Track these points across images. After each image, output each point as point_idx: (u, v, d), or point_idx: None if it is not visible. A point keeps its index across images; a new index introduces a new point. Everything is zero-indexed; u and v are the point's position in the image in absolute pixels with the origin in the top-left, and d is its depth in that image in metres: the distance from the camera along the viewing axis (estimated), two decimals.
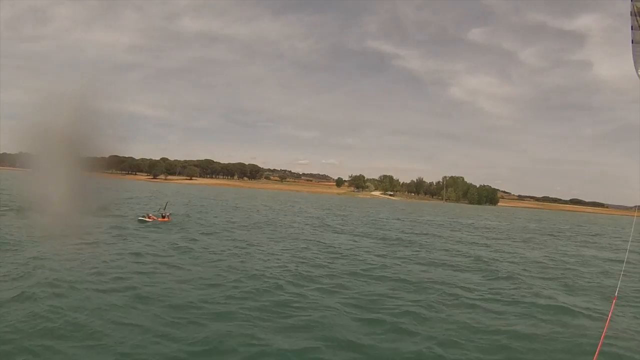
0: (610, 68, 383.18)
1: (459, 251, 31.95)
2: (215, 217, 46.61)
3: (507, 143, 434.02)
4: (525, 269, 25.98)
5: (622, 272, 23.14)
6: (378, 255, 26.90)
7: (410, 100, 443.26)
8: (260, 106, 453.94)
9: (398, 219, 68.80)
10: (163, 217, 37.33)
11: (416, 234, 43.77)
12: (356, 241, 34.02)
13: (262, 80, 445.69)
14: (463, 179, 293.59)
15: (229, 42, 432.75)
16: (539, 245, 41.51)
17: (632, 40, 7.23)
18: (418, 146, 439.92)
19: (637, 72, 7.64)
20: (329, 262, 23.19)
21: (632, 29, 7.01)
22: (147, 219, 35.86)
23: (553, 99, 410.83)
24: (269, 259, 22.80)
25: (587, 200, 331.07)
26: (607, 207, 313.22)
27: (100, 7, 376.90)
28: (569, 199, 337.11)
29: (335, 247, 29.11)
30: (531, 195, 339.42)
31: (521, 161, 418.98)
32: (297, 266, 21.33)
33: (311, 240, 32.28)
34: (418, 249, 31.38)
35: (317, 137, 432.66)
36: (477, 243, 39.23)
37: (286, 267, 20.95)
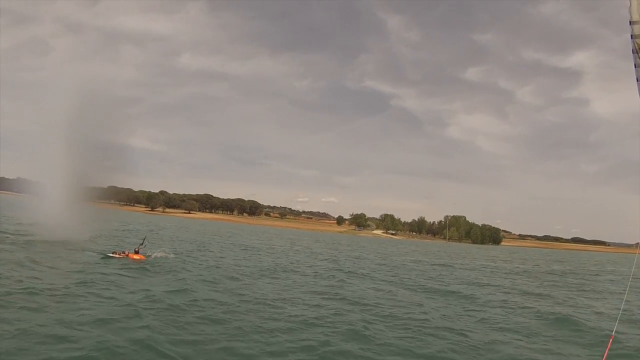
0: (607, 104, 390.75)
1: (531, 308, 24.42)
2: (211, 257, 39.75)
3: (506, 182, 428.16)
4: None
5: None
6: (444, 317, 19.77)
7: (408, 139, 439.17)
8: (259, 144, 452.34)
9: (418, 261, 61.48)
10: (136, 252, 30.37)
11: (455, 282, 36.47)
12: (399, 296, 26.18)
13: (261, 118, 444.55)
14: (465, 218, 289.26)
15: (227, 80, 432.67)
16: (601, 295, 34.36)
17: (637, 79, 6.81)
18: (417, 185, 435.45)
19: None
20: (394, 341, 15.23)
21: (635, 66, 6.74)
22: (114, 255, 29.30)
23: (551, 137, 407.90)
24: (302, 339, 14.47)
25: (588, 238, 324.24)
26: (608, 245, 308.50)
27: (100, 41, 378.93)
28: (570, 237, 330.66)
29: (382, 308, 21.29)
30: (532, 234, 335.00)
31: (520, 200, 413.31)
32: (351, 348, 13.85)
33: (344, 297, 23.69)
34: (482, 308, 23.90)
35: (316, 176, 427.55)
36: (535, 294, 31.57)
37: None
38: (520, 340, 17.04)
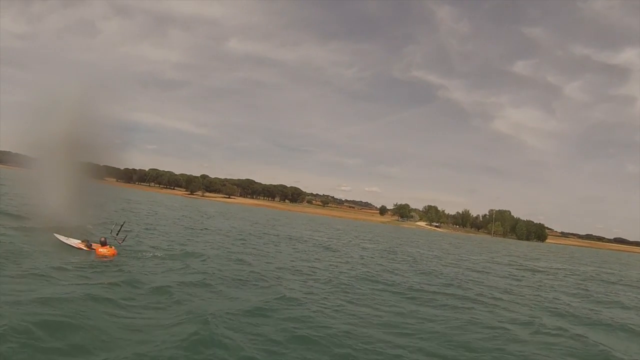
0: None
1: None
2: (248, 257, 29.26)
3: (550, 179, 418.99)
4: None
5: None
6: None
7: (453, 132, 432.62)
8: (304, 131, 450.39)
9: (496, 262, 51.06)
10: (102, 243, 20.79)
11: (593, 303, 25.82)
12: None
13: (307, 105, 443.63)
14: (510, 212, 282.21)
15: (275, 66, 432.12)
16: None
17: None
18: (460, 179, 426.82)
19: None
20: None
21: None
22: (79, 247, 20.73)
23: (597, 135, 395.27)
24: None
25: (630, 239, 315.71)
26: None
27: (149, 24, 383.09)
28: (612, 237, 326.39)
29: None
30: (574, 232, 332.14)
31: (564, 197, 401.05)
32: None
33: None
34: None
35: (360, 165, 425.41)
36: None
37: None
38: None
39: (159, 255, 22.92)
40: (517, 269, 46.10)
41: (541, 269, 48.66)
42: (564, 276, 43.21)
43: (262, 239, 42.43)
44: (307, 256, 33.18)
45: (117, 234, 22.84)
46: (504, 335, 15.05)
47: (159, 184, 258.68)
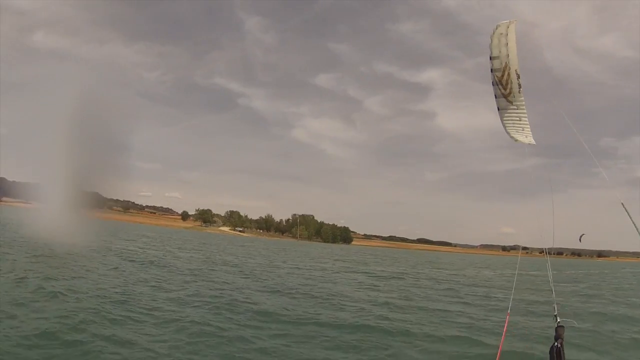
0: (452, 119, 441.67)
1: None
2: None
3: (350, 185, 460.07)
4: None
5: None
6: None
7: (254, 139, 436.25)
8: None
9: (329, 269, 47.68)
10: None
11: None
12: None
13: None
14: (313, 217, 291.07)
15: (78, 64, 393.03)
16: None
17: (498, 108, 7.35)
18: (260, 184, 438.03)
19: (508, 134, 7.42)
20: None
21: (495, 97, 7.26)
22: None
23: (396, 146, 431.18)
24: None
25: (433, 239, 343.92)
26: (455, 246, 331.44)
27: None
28: (415, 238, 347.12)
29: None
30: (377, 234, 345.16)
31: (365, 202, 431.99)
32: None
33: None
34: None
35: (159, 170, 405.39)
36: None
37: None
38: None
39: None
40: (363, 275, 43.51)
41: (387, 274, 46.72)
42: (416, 280, 41.59)
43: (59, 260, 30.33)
44: (125, 276, 24.72)
45: None
46: None
47: None
